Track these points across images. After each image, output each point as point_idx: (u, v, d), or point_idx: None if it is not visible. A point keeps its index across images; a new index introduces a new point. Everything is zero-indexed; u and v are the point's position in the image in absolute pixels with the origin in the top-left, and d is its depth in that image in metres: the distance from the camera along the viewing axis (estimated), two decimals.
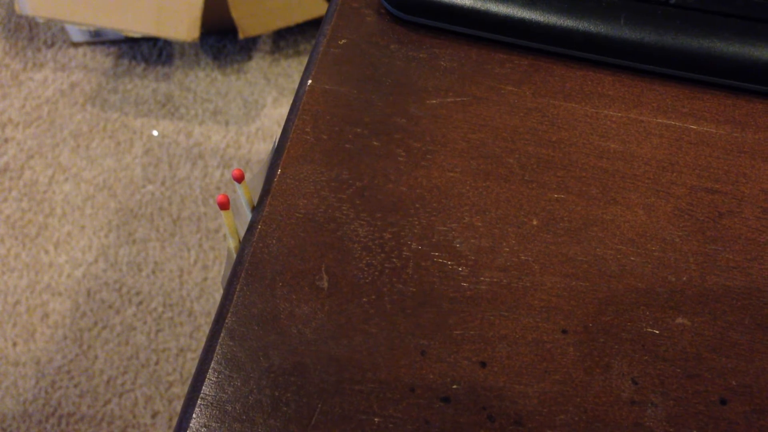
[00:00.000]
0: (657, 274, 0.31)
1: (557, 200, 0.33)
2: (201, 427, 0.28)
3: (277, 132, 1.25)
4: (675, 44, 0.35)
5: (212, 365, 0.29)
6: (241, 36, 1.18)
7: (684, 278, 0.31)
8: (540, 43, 0.36)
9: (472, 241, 0.32)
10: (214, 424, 0.28)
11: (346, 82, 0.37)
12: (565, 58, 0.37)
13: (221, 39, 1.32)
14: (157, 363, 1.05)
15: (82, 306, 1.09)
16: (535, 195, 0.33)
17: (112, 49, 1.32)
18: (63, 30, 1.32)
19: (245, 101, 1.27)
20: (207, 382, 0.29)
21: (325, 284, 0.31)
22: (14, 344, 1.06)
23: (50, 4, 1.13)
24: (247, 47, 1.32)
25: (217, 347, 0.29)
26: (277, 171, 0.34)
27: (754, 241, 0.32)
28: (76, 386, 1.03)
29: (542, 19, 0.36)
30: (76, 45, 1.32)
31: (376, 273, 0.31)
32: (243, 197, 0.34)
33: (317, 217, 0.33)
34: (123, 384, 1.03)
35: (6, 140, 1.24)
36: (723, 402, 0.28)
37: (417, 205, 0.33)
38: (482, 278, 0.31)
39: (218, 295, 1.10)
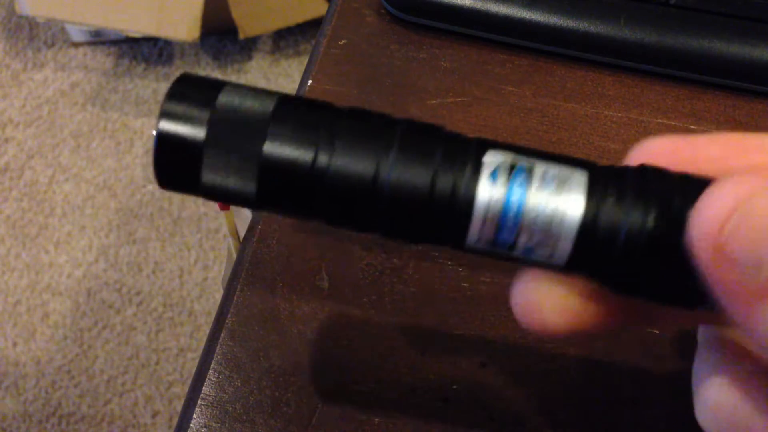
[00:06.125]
0: None
1: None
2: (201, 427, 0.28)
3: None
4: (675, 44, 0.35)
5: (212, 365, 0.29)
6: (241, 36, 1.19)
7: None
8: (540, 43, 0.37)
9: None
10: (214, 424, 0.28)
11: (347, 82, 0.37)
12: (565, 58, 0.37)
13: (221, 39, 1.32)
14: (157, 363, 1.05)
15: (82, 306, 1.09)
16: None
17: (112, 49, 1.32)
18: (63, 30, 1.32)
19: None
20: (207, 382, 0.29)
21: (326, 284, 0.31)
22: (14, 344, 1.07)
23: (50, 4, 1.13)
24: (247, 47, 1.32)
25: (218, 347, 0.29)
26: None
27: None
28: (76, 386, 1.03)
29: (542, 20, 0.36)
30: (76, 45, 1.32)
31: (377, 273, 0.31)
32: None
33: None
34: (123, 384, 1.03)
35: (6, 140, 1.24)
36: None
37: None
38: (482, 278, 0.31)
39: (218, 295, 1.10)
